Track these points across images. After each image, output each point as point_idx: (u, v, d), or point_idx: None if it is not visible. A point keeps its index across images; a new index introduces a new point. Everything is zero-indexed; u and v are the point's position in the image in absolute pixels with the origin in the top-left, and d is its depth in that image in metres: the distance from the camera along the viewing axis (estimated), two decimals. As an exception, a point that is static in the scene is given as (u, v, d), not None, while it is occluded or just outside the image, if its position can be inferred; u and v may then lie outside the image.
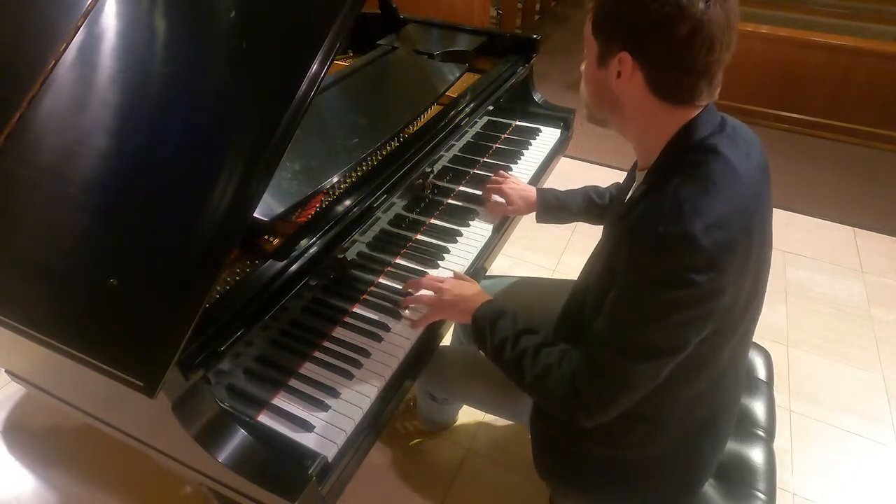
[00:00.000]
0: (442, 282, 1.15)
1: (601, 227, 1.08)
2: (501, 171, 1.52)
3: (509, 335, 0.99)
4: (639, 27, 0.76)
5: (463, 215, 1.46)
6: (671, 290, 0.76)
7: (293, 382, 1.04)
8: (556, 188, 1.44)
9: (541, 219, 1.44)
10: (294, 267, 0.99)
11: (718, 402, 0.98)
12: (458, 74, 1.58)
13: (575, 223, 1.46)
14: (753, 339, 1.03)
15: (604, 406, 0.88)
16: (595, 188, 1.40)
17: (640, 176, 0.91)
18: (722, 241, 0.74)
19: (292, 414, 0.98)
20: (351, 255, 1.15)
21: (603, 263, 0.91)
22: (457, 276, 1.21)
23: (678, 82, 0.78)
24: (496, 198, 1.47)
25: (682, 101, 0.80)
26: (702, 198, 0.76)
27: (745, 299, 0.84)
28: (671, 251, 0.75)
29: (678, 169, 0.80)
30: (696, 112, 0.82)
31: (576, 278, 1.12)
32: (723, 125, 0.83)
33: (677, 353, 0.82)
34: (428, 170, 1.34)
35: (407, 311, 1.19)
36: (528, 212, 1.45)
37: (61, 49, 1.06)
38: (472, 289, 1.14)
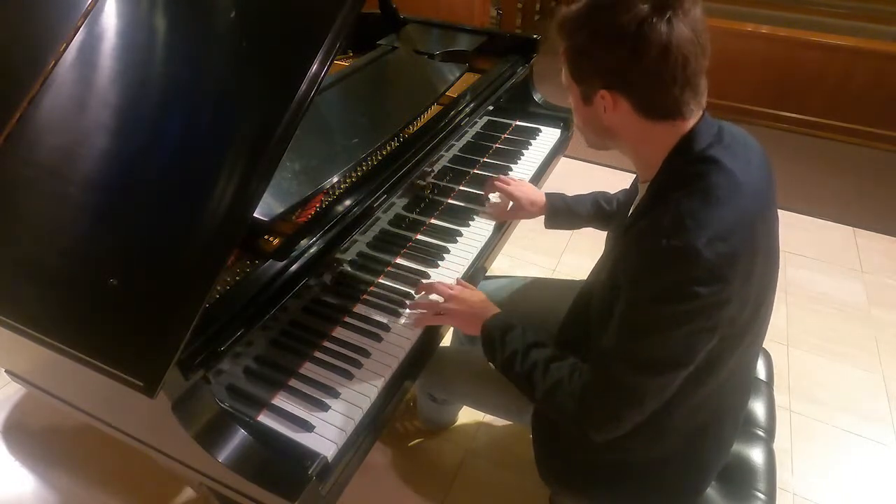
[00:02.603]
0: (451, 289, 1.15)
1: (603, 230, 1.08)
2: (503, 177, 1.50)
3: (519, 348, 0.99)
4: (610, 65, 0.78)
5: (463, 215, 1.46)
6: (676, 304, 0.76)
7: (293, 382, 1.04)
8: (564, 193, 1.42)
9: (549, 224, 1.42)
10: (294, 267, 0.99)
11: (723, 406, 0.98)
12: (458, 74, 1.58)
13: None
14: (754, 340, 1.03)
15: (614, 420, 0.88)
16: (603, 194, 1.38)
17: (642, 188, 0.92)
18: (725, 253, 0.74)
19: (292, 414, 0.98)
20: (351, 255, 1.15)
21: (607, 274, 0.91)
22: (462, 284, 1.20)
23: (663, 100, 0.79)
24: (494, 197, 1.46)
25: (671, 115, 0.81)
26: (703, 211, 0.76)
27: (752, 307, 0.84)
28: (674, 265, 0.75)
29: (679, 182, 0.81)
30: (690, 123, 0.82)
31: (576, 278, 1.12)
32: (720, 135, 0.83)
33: (686, 366, 0.82)
34: (428, 170, 1.34)
35: (409, 310, 1.19)
36: (538, 216, 1.42)
37: (61, 49, 1.06)
38: (480, 300, 1.13)
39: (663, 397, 0.85)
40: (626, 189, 1.32)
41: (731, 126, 0.87)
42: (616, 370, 0.84)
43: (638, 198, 0.95)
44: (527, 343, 1.00)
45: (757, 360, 1.06)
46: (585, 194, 1.40)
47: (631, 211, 0.96)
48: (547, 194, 1.42)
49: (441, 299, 1.15)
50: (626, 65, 0.76)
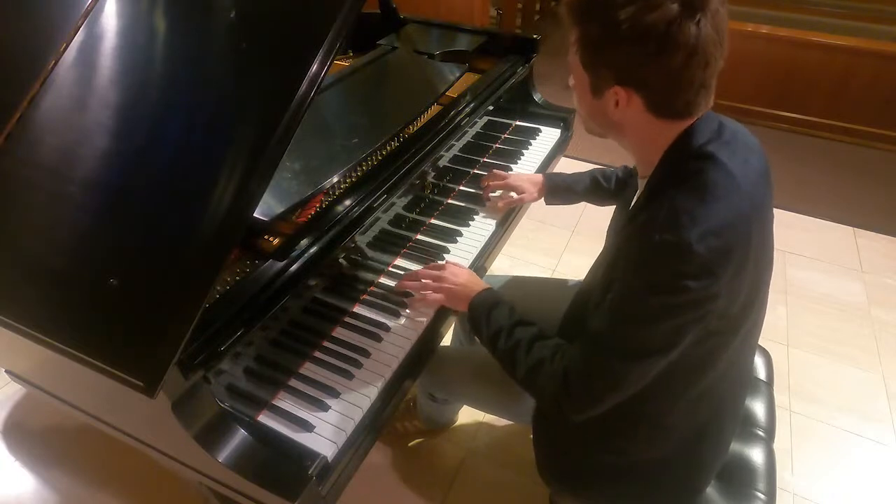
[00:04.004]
0: (441, 269, 1.16)
1: (603, 228, 1.08)
2: (496, 171, 1.51)
3: (504, 325, 1.00)
4: (630, 63, 0.76)
5: (463, 215, 1.46)
6: (666, 296, 0.77)
7: (293, 382, 1.04)
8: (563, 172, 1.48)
9: (549, 200, 1.48)
10: (294, 267, 0.99)
11: (720, 404, 0.99)
12: (458, 74, 1.58)
13: (576, 223, 1.47)
14: (753, 340, 1.03)
15: (592, 402, 0.89)
16: (602, 171, 1.42)
17: (641, 184, 0.92)
18: (717, 248, 0.75)
19: (292, 414, 0.98)
20: (351, 255, 1.15)
21: (604, 271, 0.91)
22: (450, 263, 1.21)
23: (678, 101, 0.79)
24: (495, 195, 1.47)
25: (681, 115, 0.81)
26: (699, 207, 0.76)
27: (743, 302, 0.85)
28: (667, 258, 0.76)
29: (676, 178, 0.81)
30: (693, 120, 0.82)
31: (576, 278, 1.12)
32: (720, 131, 0.83)
33: (668, 354, 0.82)
34: (428, 170, 1.34)
35: (408, 310, 1.19)
36: (540, 196, 1.48)
37: (61, 49, 1.06)
38: (469, 277, 1.15)
39: (643, 382, 0.86)
40: (626, 166, 1.34)
41: (732, 122, 0.87)
42: (602, 355, 0.85)
43: (637, 193, 0.95)
44: (513, 321, 1.01)
45: (753, 356, 1.07)
46: (584, 171, 1.45)
47: (631, 206, 0.96)
48: (545, 173, 1.48)
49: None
50: (647, 64, 0.74)
